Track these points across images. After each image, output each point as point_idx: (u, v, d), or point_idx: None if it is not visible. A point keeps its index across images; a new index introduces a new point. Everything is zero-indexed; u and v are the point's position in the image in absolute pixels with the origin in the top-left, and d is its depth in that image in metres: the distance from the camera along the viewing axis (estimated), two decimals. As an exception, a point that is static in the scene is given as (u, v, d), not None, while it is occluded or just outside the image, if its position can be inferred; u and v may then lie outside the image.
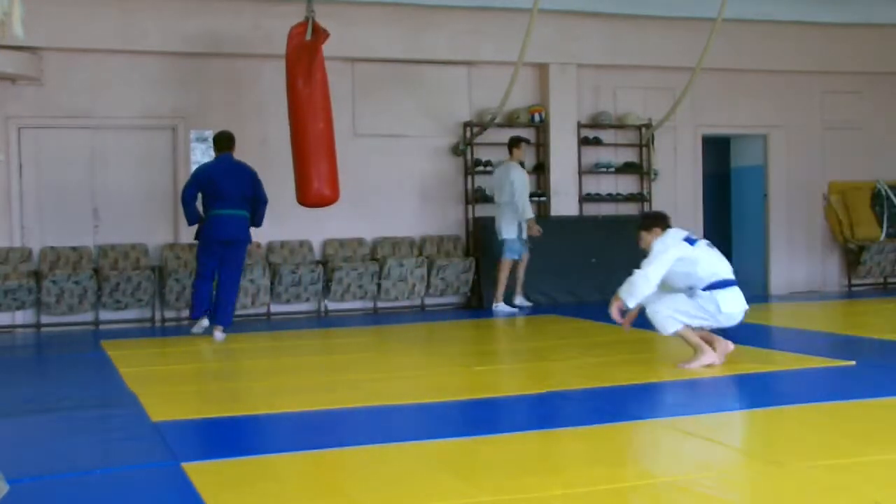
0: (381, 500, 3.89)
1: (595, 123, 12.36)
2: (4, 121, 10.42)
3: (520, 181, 10.85)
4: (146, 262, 10.70)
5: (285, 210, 10.84)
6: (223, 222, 9.01)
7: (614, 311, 6.80)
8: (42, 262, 10.45)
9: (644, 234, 7.04)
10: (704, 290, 6.85)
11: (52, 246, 10.51)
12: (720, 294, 6.86)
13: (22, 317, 10.36)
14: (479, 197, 11.85)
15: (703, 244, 7.10)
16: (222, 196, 9.01)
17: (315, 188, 9.64)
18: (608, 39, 12.23)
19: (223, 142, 9.31)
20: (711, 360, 6.82)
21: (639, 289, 6.74)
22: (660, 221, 7.14)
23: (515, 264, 11.09)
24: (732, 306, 6.88)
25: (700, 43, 11.28)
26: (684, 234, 7.06)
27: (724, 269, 7.03)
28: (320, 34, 9.70)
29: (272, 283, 10.71)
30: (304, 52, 9.61)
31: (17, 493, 3.83)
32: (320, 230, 11.25)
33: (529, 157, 12.22)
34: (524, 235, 10.98)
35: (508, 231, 10.93)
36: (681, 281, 6.89)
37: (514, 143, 11.12)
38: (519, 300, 11.23)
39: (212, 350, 8.71)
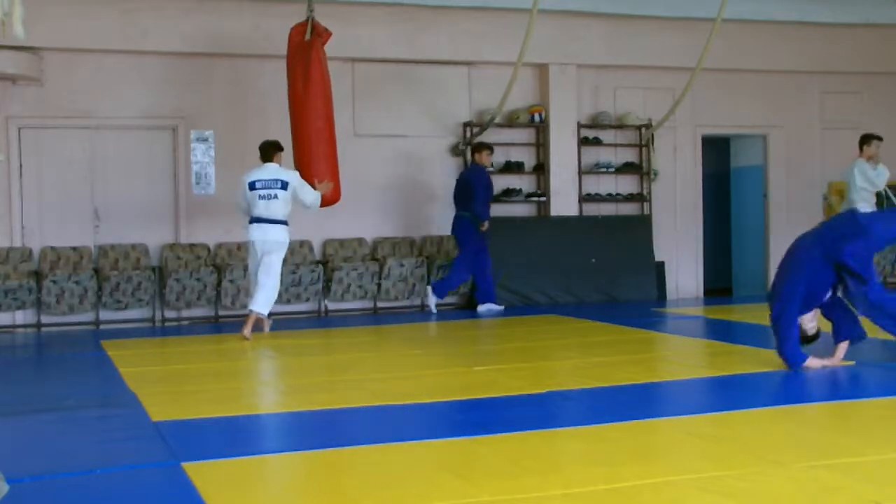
0: (381, 500, 3.89)
1: (595, 123, 12.36)
2: (4, 121, 10.43)
3: (853, 176, 11.02)
4: (146, 262, 10.70)
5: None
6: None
7: None
8: (42, 262, 10.46)
9: None
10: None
11: (52, 246, 10.52)
12: (249, 227, 9.04)
13: (22, 317, 10.36)
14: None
15: (259, 192, 8.94)
16: None
17: (317, 188, 9.65)
18: (608, 39, 12.23)
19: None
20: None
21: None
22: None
23: None
24: (251, 234, 9.00)
25: (700, 43, 11.28)
26: (253, 178, 8.98)
27: (257, 210, 8.97)
28: (322, 33, 9.71)
29: (272, 283, 10.70)
30: (304, 51, 9.62)
31: (17, 493, 3.83)
32: (320, 230, 11.25)
33: (529, 157, 12.23)
34: None
35: None
36: None
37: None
38: None
39: (212, 350, 8.71)
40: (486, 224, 11.06)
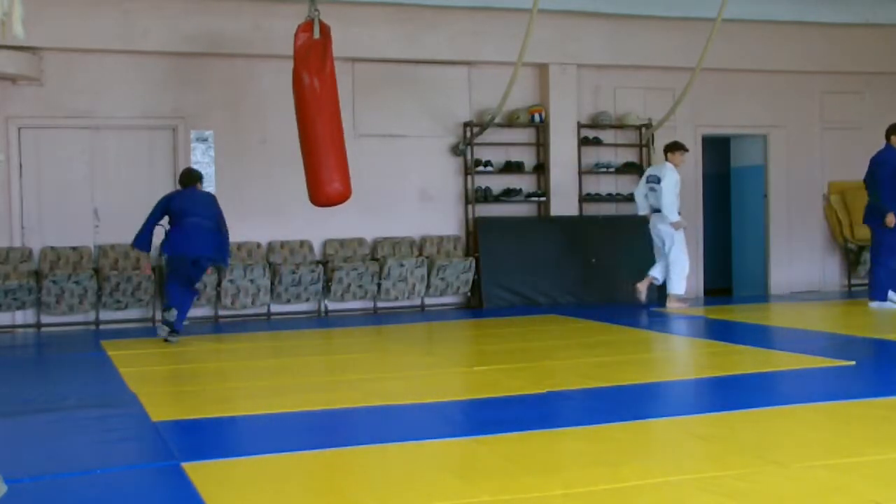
0: (381, 500, 3.89)
1: (595, 123, 12.35)
2: (4, 121, 10.43)
3: None
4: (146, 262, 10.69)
5: (285, 210, 10.86)
6: None
7: None
8: (42, 262, 10.46)
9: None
10: None
11: (52, 246, 10.51)
12: None
13: (22, 317, 10.36)
14: (479, 197, 11.85)
15: (648, 186, 10.92)
16: None
17: (329, 185, 9.58)
18: (608, 39, 12.23)
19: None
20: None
21: None
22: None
23: None
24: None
25: (700, 43, 11.28)
26: (646, 172, 11.12)
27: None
28: (324, 29, 9.71)
29: (272, 283, 10.72)
30: (312, 49, 9.59)
31: (17, 493, 3.84)
32: (320, 230, 11.25)
33: (530, 157, 12.22)
34: None
35: None
36: None
37: None
38: None
39: (212, 350, 8.72)
40: (892, 217, 10.21)
